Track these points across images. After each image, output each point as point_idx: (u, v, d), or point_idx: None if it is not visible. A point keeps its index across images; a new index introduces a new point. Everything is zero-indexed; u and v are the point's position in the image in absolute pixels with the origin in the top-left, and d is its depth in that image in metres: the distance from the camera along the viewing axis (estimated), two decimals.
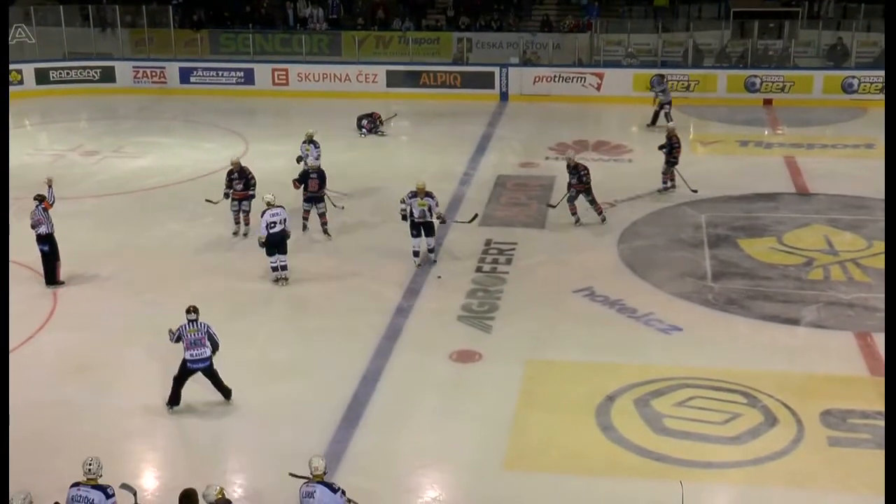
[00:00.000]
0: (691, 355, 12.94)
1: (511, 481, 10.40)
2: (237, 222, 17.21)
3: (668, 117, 23.57)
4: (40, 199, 15.02)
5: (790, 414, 11.46)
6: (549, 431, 11.27)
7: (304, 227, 17.18)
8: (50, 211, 15.04)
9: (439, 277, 15.46)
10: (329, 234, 17.08)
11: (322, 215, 17.05)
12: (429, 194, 15.66)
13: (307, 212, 17.21)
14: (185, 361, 11.56)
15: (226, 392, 11.83)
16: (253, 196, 17.01)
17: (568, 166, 17.63)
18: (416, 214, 15.58)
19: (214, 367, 11.64)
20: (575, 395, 11.96)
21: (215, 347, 11.61)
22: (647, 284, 15.23)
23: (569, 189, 17.59)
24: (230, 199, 17.12)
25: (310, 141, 19.05)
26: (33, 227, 14.97)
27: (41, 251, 15.05)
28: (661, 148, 19.25)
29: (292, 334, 13.86)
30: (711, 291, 14.95)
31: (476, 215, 17.17)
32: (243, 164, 17.30)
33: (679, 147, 19.21)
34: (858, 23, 28.74)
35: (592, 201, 17.56)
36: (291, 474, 9.26)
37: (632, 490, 10.19)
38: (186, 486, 8.62)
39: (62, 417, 11.54)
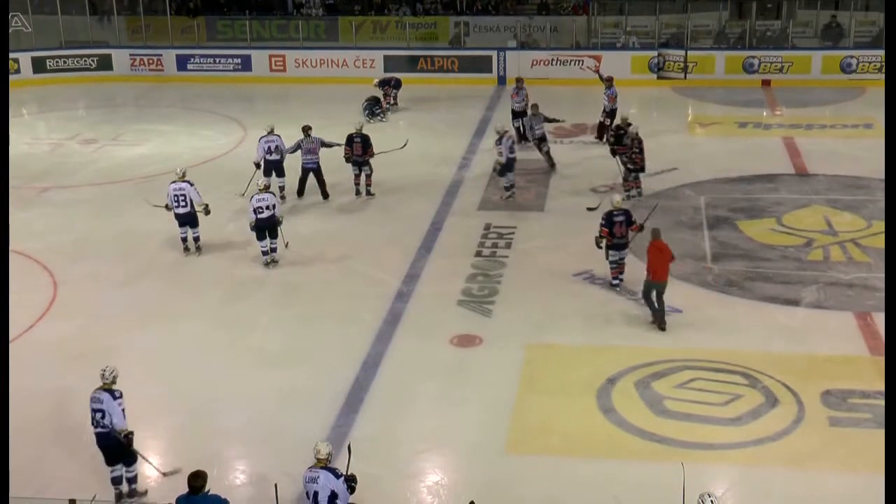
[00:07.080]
0: (691, 337, 12.95)
1: (512, 465, 10.42)
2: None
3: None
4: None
5: (791, 394, 11.48)
6: (550, 415, 11.28)
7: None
8: None
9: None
10: (372, 194, 18.54)
11: (368, 177, 18.46)
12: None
13: (357, 176, 18.42)
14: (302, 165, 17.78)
15: (324, 194, 17.91)
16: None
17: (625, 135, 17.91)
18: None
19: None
20: (576, 378, 11.99)
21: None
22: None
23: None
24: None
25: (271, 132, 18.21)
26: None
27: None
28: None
29: (293, 320, 13.86)
30: (711, 273, 14.95)
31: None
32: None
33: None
34: (857, 2, 28.64)
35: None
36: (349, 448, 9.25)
37: (633, 472, 10.21)
38: (189, 473, 8.63)
39: (63, 406, 11.53)
